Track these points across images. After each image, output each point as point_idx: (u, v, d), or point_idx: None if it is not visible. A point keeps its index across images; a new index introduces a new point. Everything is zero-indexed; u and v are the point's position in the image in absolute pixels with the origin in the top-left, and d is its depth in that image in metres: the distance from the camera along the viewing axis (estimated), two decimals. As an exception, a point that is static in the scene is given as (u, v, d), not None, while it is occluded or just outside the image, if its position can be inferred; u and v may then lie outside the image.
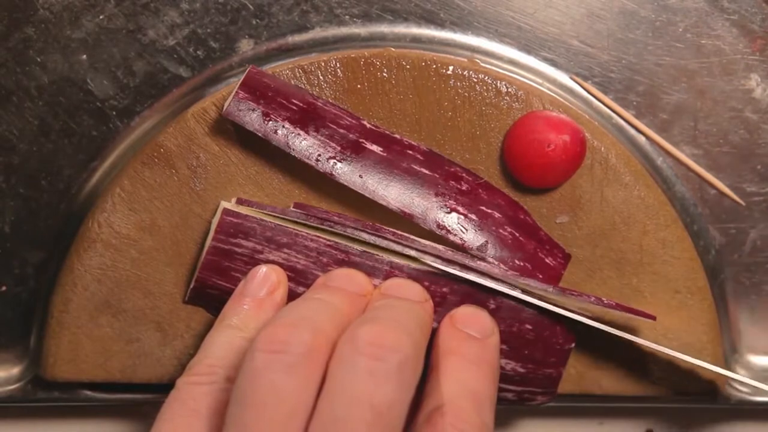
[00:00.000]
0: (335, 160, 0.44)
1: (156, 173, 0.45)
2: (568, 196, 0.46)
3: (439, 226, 0.44)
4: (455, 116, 0.46)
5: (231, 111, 0.43)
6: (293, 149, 0.43)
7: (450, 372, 0.40)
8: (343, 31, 0.48)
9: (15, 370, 0.49)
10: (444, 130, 0.46)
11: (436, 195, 0.44)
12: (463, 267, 0.43)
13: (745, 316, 0.51)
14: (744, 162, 0.49)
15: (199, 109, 0.45)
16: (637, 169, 0.47)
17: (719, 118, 0.49)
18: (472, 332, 0.42)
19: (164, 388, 0.43)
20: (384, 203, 0.44)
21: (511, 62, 0.48)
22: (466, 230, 0.44)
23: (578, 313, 0.44)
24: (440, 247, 0.44)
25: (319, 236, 0.43)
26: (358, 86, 0.46)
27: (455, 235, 0.44)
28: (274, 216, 0.43)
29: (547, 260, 0.45)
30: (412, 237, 0.43)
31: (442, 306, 0.43)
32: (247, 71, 0.44)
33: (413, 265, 0.44)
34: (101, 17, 0.47)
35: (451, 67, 0.46)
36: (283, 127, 0.43)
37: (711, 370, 0.44)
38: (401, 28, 0.48)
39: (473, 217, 0.44)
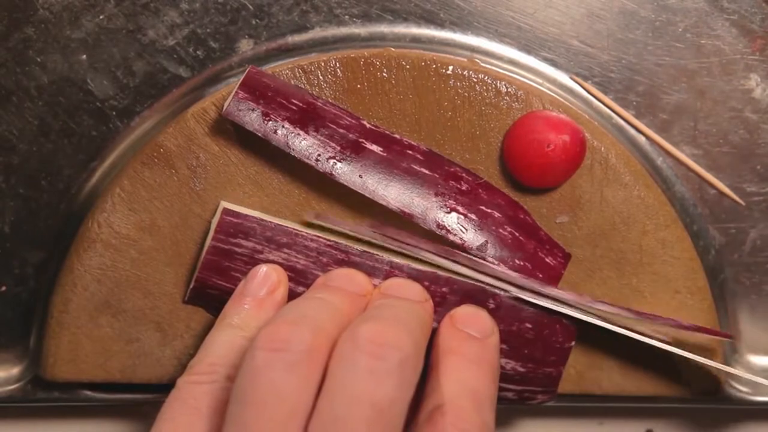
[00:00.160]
0: (335, 160, 0.44)
1: (156, 173, 0.45)
2: (568, 196, 0.46)
3: (438, 225, 0.44)
4: (455, 116, 0.46)
5: (231, 111, 0.43)
6: (293, 149, 0.43)
7: (450, 371, 0.40)
8: (343, 31, 0.48)
9: (15, 370, 0.49)
10: (444, 130, 0.46)
11: (436, 195, 0.44)
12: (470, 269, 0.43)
13: (745, 316, 0.51)
14: (744, 162, 0.49)
15: (198, 109, 0.45)
16: (637, 169, 0.47)
17: (719, 118, 0.49)
18: (472, 332, 0.42)
19: (164, 388, 0.43)
20: (384, 203, 0.44)
21: (511, 62, 0.48)
22: (466, 230, 0.44)
23: (590, 314, 0.44)
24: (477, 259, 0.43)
25: (319, 236, 0.43)
26: (358, 86, 0.46)
27: (455, 234, 0.44)
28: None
29: (547, 260, 0.45)
30: (475, 259, 0.43)
31: (442, 306, 0.43)
32: (246, 71, 0.44)
33: (413, 265, 0.44)
34: (101, 17, 0.47)
35: (450, 67, 0.46)
36: (283, 127, 0.43)
37: (711, 371, 0.44)
38: (401, 28, 0.48)
39: (473, 216, 0.44)
